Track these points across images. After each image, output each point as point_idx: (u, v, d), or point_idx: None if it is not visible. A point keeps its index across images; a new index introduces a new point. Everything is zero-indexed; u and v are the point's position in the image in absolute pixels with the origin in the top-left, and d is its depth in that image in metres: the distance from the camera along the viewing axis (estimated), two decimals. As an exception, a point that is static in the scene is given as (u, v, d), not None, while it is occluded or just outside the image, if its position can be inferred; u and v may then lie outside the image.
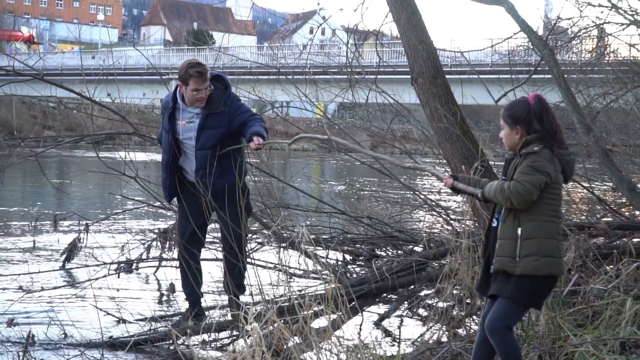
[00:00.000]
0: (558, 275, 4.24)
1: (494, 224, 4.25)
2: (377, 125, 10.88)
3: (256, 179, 9.25)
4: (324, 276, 5.40)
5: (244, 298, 6.09)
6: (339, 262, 7.96)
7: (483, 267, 4.38)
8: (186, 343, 5.96)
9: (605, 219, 7.91)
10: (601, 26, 10.05)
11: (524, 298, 4.13)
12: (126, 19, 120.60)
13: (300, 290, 5.84)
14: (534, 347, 4.92)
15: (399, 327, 6.84)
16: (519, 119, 4.12)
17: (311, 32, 65.66)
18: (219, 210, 6.04)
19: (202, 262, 6.66)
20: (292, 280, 6.87)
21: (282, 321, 5.35)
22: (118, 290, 7.61)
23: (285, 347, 4.89)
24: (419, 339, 6.19)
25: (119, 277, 8.27)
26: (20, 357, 5.33)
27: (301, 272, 7.10)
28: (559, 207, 4.14)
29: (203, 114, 5.98)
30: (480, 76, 10.20)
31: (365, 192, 12.48)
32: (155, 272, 8.76)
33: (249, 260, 7.43)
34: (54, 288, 7.76)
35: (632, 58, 9.53)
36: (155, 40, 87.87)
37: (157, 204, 8.91)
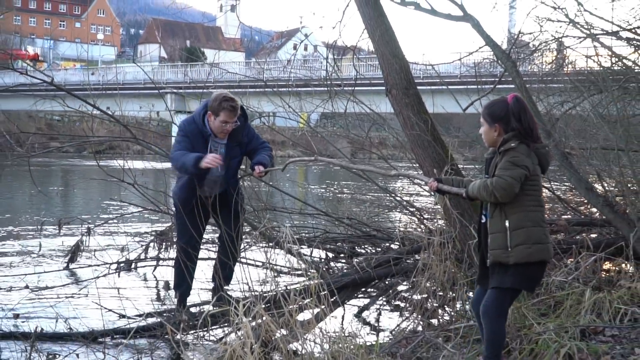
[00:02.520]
0: (548, 260, 4.26)
1: (483, 220, 4.26)
2: (356, 133, 10.85)
3: (247, 183, 9.26)
4: (307, 273, 5.36)
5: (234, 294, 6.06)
6: (322, 260, 7.96)
7: (480, 262, 4.38)
8: (182, 336, 5.97)
9: (565, 216, 7.94)
10: (560, 40, 10.09)
11: (522, 285, 4.17)
12: (124, 38, 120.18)
13: (286, 287, 5.80)
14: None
15: (378, 319, 6.84)
16: (498, 117, 4.13)
17: (295, 48, 65.77)
18: (215, 216, 6.11)
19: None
20: (278, 277, 6.86)
21: (270, 315, 5.35)
22: (118, 288, 7.55)
23: (272, 338, 4.88)
24: (395, 329, 6.19)
25: (119, 276, 8.22)
26: (28, 350, 5.30)
27: (287, 270, 7.11)
28: (540, 197, 4.17)
29: (229, 145, 5.99)
30: (449, 87, 10.21)
31: (345, 195, 12.49)
32: (154, 271, 8.72)
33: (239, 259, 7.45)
34: (59, 286, 7.72)
35: (588, 69, 9.55)
36: (151, 58, 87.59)
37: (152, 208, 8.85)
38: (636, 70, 8.78)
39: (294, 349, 4.99)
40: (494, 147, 4.20)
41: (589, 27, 8.71)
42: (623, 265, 6.13)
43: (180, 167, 5.86)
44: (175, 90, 41.27)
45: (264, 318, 4.74)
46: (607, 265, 6.28)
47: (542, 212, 4.16)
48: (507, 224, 4.04)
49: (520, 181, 3.98)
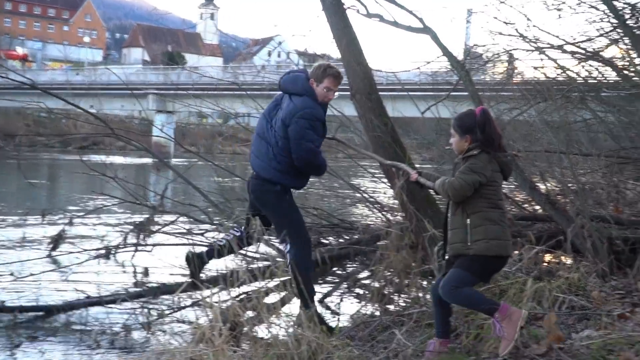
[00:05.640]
0: (506, 256, 4.31)
1: (448, 217, 4.33)
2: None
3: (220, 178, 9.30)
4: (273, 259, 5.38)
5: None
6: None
7: (443, 256, 4.47)
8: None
9: (511, 212, 8.04)
10: (510, 52, 10.23)
11: (477, 273, 4.20)
12: (110, 41, 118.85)
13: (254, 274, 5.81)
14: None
15: (339, 304, 6.88)
16: (468, 129, 4.20)
17: (269, 54, 66.03)
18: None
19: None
20: (249, 265, 6.86)
21: (239, 299, 5.37)
22: (98, 273, 7.52)
23: (240, 321, 4.90)
24: (355, 314, 6.23)
25: (99, 263, 8.16)
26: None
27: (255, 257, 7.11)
28: (497, 200, 4.22)
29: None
30: (410, 93, 10.29)
31: (315, 189, 12.51)
32: (132, 258, 8.65)
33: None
34: (40, 273, 7.66)
35: (535, 79, 9.68)
36: (135, 60, 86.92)
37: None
38: (578, 81, 8.94)
39: (260, 331, 5.01)
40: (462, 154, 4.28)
41: (537, 41, 8.86)
42: (562, 257, 6.23)
43: (317, 166, 5.28)
44: (156, 92, 41.08)
45: (231, 302, 4.76)
46: (548, 257, 6.38)
47: (500, 212, 4.22)
48: (468, 221, 4.12)
49: (473, 186, 4.06)
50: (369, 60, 6.72)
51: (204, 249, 5.77)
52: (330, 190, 10.38)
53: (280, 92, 5.36)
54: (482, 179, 4.08)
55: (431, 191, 4.98)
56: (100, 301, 6.68)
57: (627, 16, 8.16)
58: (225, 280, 5.02)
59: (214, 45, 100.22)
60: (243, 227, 5.56)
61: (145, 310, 6.55)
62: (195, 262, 5.51)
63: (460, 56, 8.83)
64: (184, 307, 6.33)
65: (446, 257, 4.31)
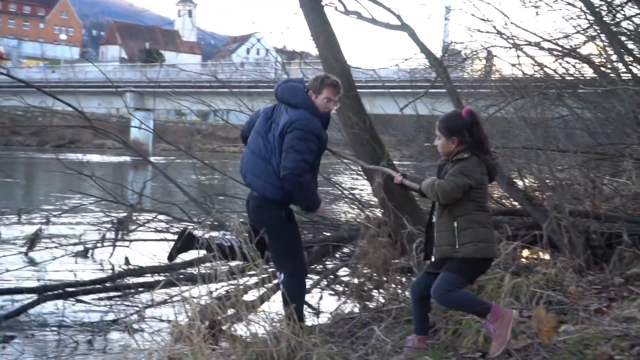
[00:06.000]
0: (492, 258, 4.32)
1: (433, 220, 4.29)
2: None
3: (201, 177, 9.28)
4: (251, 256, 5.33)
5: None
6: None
7: (425, 257, 4.43)
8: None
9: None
10: (488, 49, 10.29)
11: (467, 274, 4.19)
12: (86, 39, 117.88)
13: (233, 273, 5.79)
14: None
15: (319, 301, 6.88)
16: (455, 131, 4.13)
17: (247, 52, 65.97)
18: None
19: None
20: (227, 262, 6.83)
21: (217, 297, 5.36)
22: (74, 273, 7.46)
23: (219, 319, 4.89)
24: (335, 311, 6.24)
25: (76, 262, 8.12)
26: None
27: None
28: (485, 203, 4.20)
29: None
30: (389, 90, 10.31)
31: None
32: (110, 257, 8.61)
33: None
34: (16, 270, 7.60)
35: (513, 76, 9.74)
36: (112, 58, 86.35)
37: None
38: (556, 78, 9.02)
39: (239, 329, 5.00)
40: (448, 156, 4.23)
41: (514, 38, 8.92)
42: (540, 253, 6.27)
43: (307, 198, 4.90)
44: (134, 89, 40.84)
45: (210, 301, 4.75)
46: (525, 253, 6.42)
47: (487, 214, 4.21)
48: (455, 224, 4.08)
49: (463, 189, 4.03)
50: (348, 57, 6.73)
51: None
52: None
53: (269, 106, 5.15)
54: (472, 182, 4.05)
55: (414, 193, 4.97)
56: (77, 290, 6.64)
57: (603, 13, 8.25)
58: (204, 277, 4.99)
59: (193, 43, 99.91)
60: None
61: (124, 307, 6.52)
62: (186, 239, 5.18)
63: (438, 53, 8.87)
64: (160, 304, 6.30)
65: (432, 259, 4.26)
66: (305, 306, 5.43)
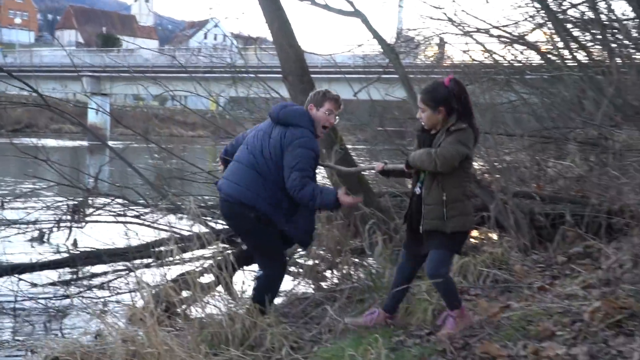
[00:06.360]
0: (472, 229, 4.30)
1: (417, 192, 4.19)
2: (262, 116, 10.83)
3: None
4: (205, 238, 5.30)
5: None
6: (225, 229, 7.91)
7: (408, 229, 4.36)
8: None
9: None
10: (440, 36, 10.39)
11: (456, 248, 4.24)
12: (42, 23, 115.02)
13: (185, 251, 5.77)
14: (380, 295, 5.07)
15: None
16: (441, 101, 4.01)
17: (205, 37, 65.32)
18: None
19: None
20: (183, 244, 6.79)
21: (173, 280, 5.35)
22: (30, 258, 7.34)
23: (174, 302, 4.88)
24: (289, 292, 6.26)
25: (32, 246, 7.99)
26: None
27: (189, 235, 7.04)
28: (470, 174, 4.20)
29: None
30: (345, 75, 10.32)
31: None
32: (66, 241, 8.47)
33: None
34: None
35: (463, 62, 9.87)
36: (68, 42, 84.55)
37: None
38: (504, 64, 9.16)
39: (195, 311, 5.00)
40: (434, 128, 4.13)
41: (465, 25, 9.04)
42: (487, 233, 6.39)
43: (318, 203, 4.72)
44: (91, 74, 40.11)
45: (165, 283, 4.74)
46: (474, 233, 6.52)
47: (469, 187, 4.20)
48: (444, 197, 4.01)
49: (461, 157, 3.94)
50: (305, 43, 6.73)
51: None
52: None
53: (260, 125, 5.07)
54: (469, 152, 4.00)
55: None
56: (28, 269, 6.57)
57: (550, 1, 8.39)
58: (160, 259, 4.98)
59: (150, 28, 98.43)
60: None
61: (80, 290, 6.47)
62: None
63: (392, 39, 8.93)
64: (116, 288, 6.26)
65: (421, 230, 4.14)
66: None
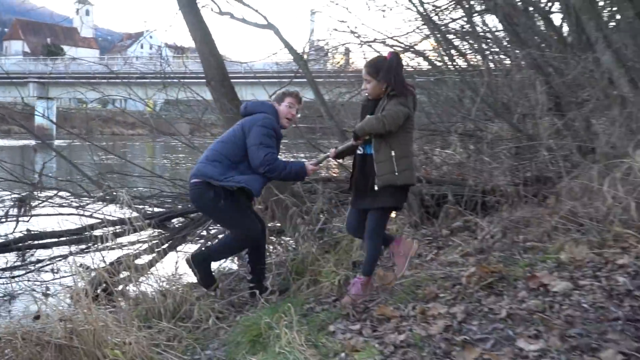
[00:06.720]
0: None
1: (360, 152, 4.07)
2: (193, 116, 10.59)
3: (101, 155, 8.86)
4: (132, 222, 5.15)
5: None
6: (161, 216, 7.72)
7: (355, 188, 4.14)
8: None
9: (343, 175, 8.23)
10: (345, 45, 10.46)
11: (400, 203, 4.12)
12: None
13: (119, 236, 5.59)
14: (297, 270, 5.07)
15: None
16: (382, 70, 3.93)
17: (141, 47, 63.66)
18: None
19: None
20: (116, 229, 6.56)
21: (110, 263, 5.18)
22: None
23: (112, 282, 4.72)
24: (217, 269, 6.17)
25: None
26: None
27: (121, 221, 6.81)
28: (413, 134, 4.07)
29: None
30: (261, 80, 10.26)
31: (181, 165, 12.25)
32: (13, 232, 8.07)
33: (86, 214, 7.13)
34: None
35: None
36: (15, 52, 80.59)
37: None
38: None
39: (131, 290, 4.87)
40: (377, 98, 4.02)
41: (365, 36, 9.11)
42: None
43: (287, 174, 4.61)
44: (37, 80, 38.42)
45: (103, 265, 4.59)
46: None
47: (412, 144, 4.10)
48: (392, 153, 3.88)
49: (404, 117, 3.85)
50: (230, 51, 6.61)
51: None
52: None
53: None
54: (410, 112, 3.91)
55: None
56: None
57: (434, 16, 8.54)
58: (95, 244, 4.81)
59: (90, 39, 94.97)
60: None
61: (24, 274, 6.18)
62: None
63: (304, 48, 8.90)
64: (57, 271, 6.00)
65: (375, 188, 3.94)
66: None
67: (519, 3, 6.87)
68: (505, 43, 8.49)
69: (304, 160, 5.02)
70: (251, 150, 4.57)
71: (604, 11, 6.04)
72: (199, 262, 4.68)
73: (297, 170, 4.60)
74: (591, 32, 4.64)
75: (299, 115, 5.06)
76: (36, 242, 6.84)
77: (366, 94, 4.16)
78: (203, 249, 4.90)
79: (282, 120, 4.83)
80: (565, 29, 6.78)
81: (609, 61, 4.48)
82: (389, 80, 3.92)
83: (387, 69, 3.94)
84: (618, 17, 4.75)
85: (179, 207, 7.47)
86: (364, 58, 9.72)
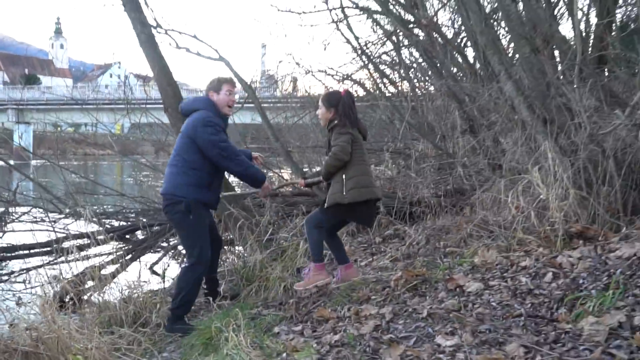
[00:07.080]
0: (375, 198, 4.00)
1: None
2: (158, 138, 10.31)
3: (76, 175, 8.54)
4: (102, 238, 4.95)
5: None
6: (122, 229, 7.45)
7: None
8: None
9: (288, 191, 8.15)
10: (292, 74, 10.48)
11: (358, 220, 4.16)
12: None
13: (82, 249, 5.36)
14: (247, 276, 4.95)
15: (165, 270, 6.57)
16: (333, 103, 3.95)
17: (111, 76, 62.30)
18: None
19: None
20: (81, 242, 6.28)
21: (75, 275, 4.95)
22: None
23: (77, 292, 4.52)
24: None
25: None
26: None
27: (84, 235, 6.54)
28: (364, 155, 3.98)
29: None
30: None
31: (147, 182, 11.90)
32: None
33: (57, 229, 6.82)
34: None
35: (309, 94, 9.96)
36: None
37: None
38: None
39: (95, 299, 4.66)
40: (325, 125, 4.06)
41: (309, 67, 9.14)
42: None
43: (245, 172, 4.21)
44: (15, 107, 36.99)
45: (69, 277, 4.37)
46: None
47: (367, 165, 4.02)
48: (344, 176, 3.86)
49: (349, 143, 3.83)
50: (187, 78, 6.47)
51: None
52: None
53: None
54: (351, 136, 3.85)
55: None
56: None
57: (367, 50, 8.61)
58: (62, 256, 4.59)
59: (65, 69, 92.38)
60: None
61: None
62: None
63: (252, 78, 8.85)
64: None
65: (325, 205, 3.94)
66: (153, 274, 5.10)
67: (439, 39, 7.00)
68: (430, 72, 8.67)
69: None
70: (205, 150, 4.11)
71: (506, 47, 6.21)
72: (177, 330, 4.11)
73: (256, 173, 4.24)
74: (495, 66, 4.74)
75: (237, 99, 4.74)
76: (9, 254, 6.49)
77: (319, 119, 4.19)
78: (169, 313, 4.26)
79: (223, 109, 4.30)
80: (477, 62, 6.94)
81: (511, 90, 4.57)
82: (337, 111, 3.95)
83: (336, 102, 3.97)
84: (517, 53, 4.88)
85: (143, 220, 7.23)
86: (310, 86, 9.76)
